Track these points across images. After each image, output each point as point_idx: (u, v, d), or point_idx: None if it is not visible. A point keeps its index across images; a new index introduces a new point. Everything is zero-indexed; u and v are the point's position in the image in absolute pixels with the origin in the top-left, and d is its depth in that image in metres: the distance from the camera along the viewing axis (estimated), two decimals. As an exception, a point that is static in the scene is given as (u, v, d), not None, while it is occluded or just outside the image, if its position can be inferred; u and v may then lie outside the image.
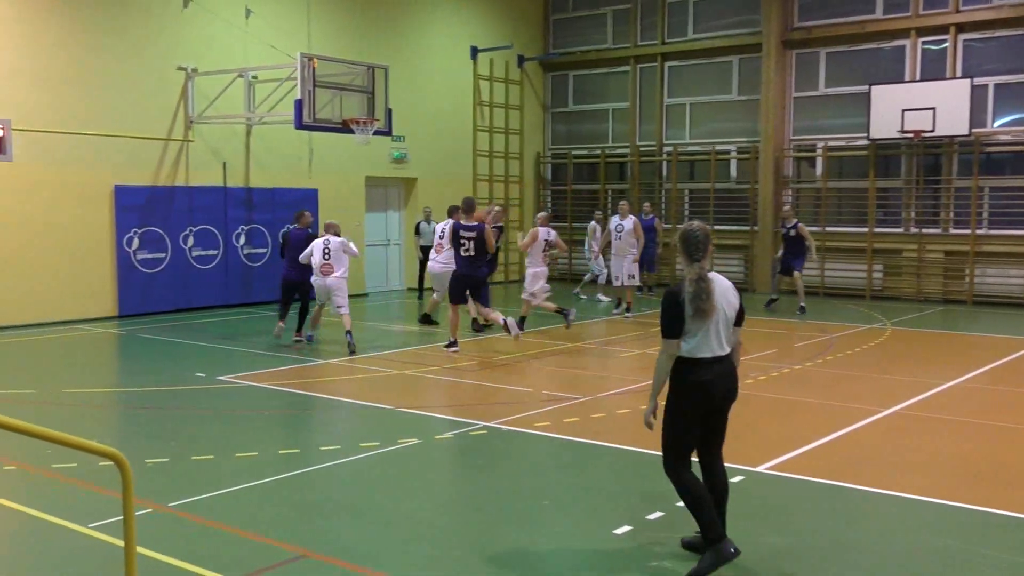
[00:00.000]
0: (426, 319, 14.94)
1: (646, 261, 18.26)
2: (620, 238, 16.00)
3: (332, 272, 12.63)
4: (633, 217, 16.26)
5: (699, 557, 5.16)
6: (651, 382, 5.30)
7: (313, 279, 12.78)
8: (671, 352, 5.13)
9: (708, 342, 5.11)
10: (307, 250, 12.79)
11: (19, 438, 4.10)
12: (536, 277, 14.02)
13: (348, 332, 12.57)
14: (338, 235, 12.90)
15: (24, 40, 14.54)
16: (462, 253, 12.41)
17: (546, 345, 13.27)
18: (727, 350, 5.20)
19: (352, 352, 12.28)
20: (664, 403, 5.28)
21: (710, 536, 5.11)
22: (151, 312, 16.16)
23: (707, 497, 5.16)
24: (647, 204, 19.90)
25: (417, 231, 18.45)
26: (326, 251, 12.65)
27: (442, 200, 20.03)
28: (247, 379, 10.62)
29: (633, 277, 16.12)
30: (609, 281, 17.33)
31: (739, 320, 5.29)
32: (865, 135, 19.38)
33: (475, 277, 12.52)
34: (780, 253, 17.61)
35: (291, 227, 13.75)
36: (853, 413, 8.99)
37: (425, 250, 18.47)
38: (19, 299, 14.65)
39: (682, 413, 5.18)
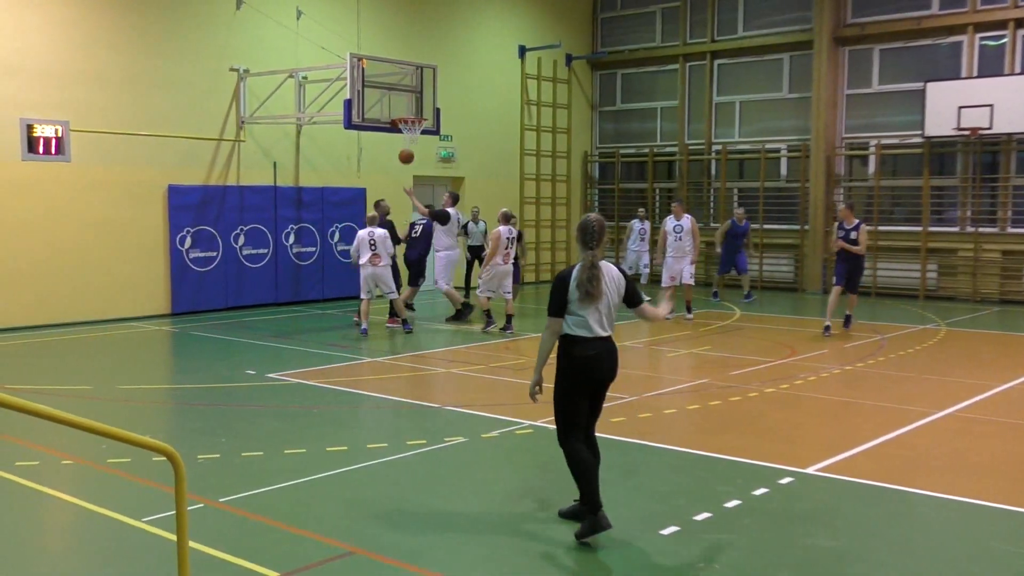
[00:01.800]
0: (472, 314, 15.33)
1: (736, 265, 18.07)
2: (680, 238, 15.53)
3: (380, 262, 13.72)
4: (690, 217, 15.83)
5: (578, 524, 5.64)
6: (537, 358, 5.76)
7: (362, 269, 13.78)
8: (554, 329, 5.64)
9: (592, 323, 5.56)
10: (354, 245, 14.04)
11: (76, 433, 4.19)
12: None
13: (402, 317, 14.20)
14: (387, 215, 14.52)
15: (82, 43, 14.85)
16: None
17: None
18: (608, 332, 5.65)
19: (407, 327, 14.03)
20: (554, 383, 5.72)
21: (589, 506, 5.55)
22: (203, 310, 16.41)
23: (593, 469, 5.62)
24: (740, 209, 18.83)
25: (465, 231, 18.26)
26: (372, 243, 13.68)
27: (490, 200, 20.13)
28: (296, 377, 10.73)
29: (691, 277, 15.74)
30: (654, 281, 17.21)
31: (634, 300, 5.75)
32: (920, 133, 19.04)
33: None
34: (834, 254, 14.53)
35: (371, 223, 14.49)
36: (906, 415, 8.83)
37: (473, 250, 18.49)
38: (76, 297, 14.97)
39: (571, 387, 5.62)
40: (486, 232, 17.19)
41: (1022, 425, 8.64)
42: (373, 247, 13.66)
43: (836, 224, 13.95)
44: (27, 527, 6.06)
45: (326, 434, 8.26)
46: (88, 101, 14.94)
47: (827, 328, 13.88)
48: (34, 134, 14.28)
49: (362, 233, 13.85)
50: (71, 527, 6.10)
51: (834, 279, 14.12)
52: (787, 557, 5.36)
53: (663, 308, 6.16)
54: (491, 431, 8.24)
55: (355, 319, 14.45)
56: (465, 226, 18.37)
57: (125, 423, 8.15)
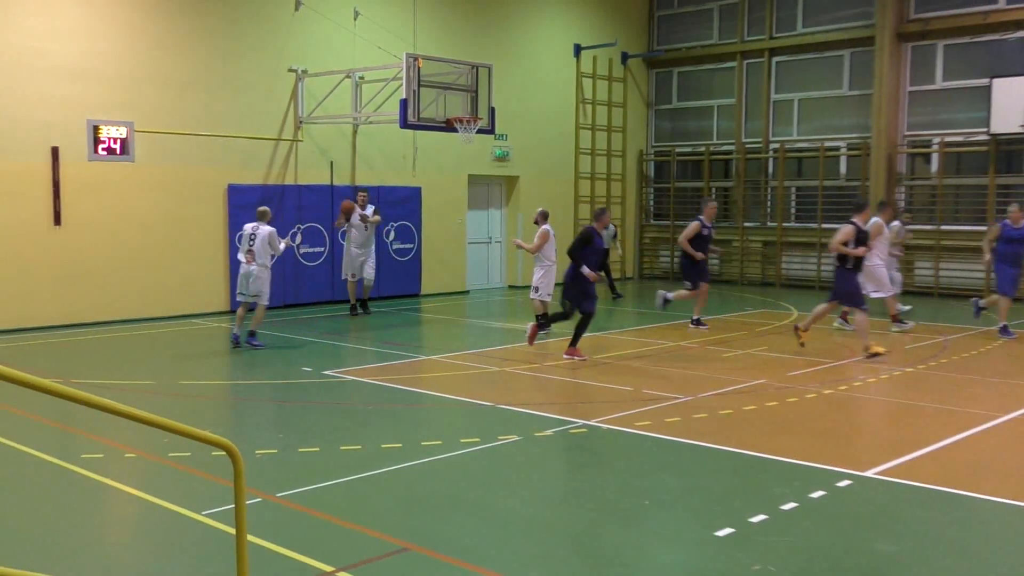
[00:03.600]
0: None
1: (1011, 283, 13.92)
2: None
3: (253, 261, 12.59)
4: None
5: None
6: None
7: (241, 267, 12.76)
8: None
9: None
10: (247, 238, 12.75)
11: (139, 427, 4.28)
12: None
13: (252, 333, 12.66)
14: (268, 224, 12.76)
15: (146, 46, 15.16)
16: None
17: (646, 344, 13.15)
18: None
19: (253, 345, 12.56)
20: None
21: None
22: (262, 307, 16.64)
23: None
24: (1014, 206, 13.68)
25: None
26: (252, 238, 12.66)
27: (545, 198, 20.12)
28: (351, 374, 10.84)
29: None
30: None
31: None
32: (985, 130, 18.60)
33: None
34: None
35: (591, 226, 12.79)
36: (970, 418, 8.63)
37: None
38: (139, 294, 15.30)
39: None
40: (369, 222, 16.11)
41: (1091, 430, 8.39)
42: (252, 242, 12.57)
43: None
44: (91, 518, 6.22)
45: (381, 431, 8.33)
46: (152, 103, 15.26)
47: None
48: (100, 135, 14.63)
49: (246, 227, 12.83)
50: (133, 519, 6.24)
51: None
52: (845, 561, 5.27)
53: None
54: (545, 430, 8.24)
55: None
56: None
57: (186, 418, 8.31)
